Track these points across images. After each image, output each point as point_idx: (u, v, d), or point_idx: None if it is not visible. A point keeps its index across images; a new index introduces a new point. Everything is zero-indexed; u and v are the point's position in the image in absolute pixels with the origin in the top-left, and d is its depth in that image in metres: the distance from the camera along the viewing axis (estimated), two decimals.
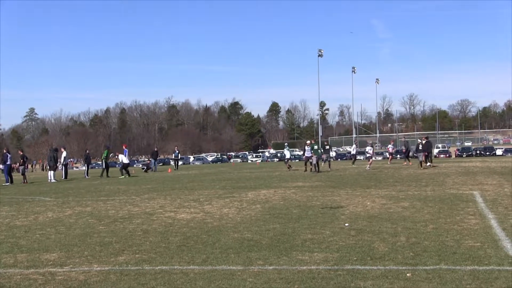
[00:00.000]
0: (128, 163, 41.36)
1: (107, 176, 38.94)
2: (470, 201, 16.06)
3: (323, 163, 43.25)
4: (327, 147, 46.80)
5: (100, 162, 55.89)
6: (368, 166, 39.78)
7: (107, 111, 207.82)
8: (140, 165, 74.70)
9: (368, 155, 42.24)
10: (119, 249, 10.07)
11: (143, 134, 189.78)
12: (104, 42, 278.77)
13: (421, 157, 38.61)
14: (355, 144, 54.90)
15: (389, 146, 53.70)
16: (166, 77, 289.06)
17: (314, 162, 35.97)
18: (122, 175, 38.78)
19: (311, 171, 36.37)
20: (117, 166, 44.67)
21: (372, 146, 44.92)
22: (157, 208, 16.54)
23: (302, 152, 42.06)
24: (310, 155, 37.29)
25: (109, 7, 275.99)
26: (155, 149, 55.63)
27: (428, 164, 39.64)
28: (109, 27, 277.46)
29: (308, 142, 40.12)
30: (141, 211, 16.03)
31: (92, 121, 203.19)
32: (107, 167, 40.71)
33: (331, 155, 48.91)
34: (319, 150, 37.27)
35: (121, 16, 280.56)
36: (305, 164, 38.45)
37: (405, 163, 44.08)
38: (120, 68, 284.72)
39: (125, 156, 40.80)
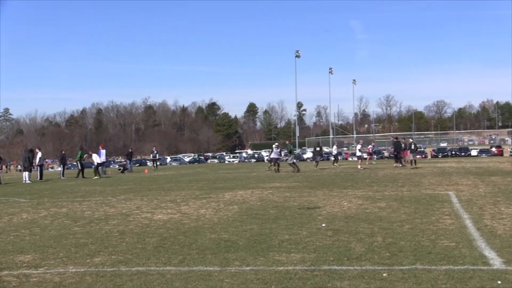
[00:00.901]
0: (101, 163, 41.13)
1: (83, 177, 38.72)
2: (446, 201, 16.18)
3: (316, 164, 43.95)
4: (318, 148, 47.21)
5: (75, 163, 55.69)
6: (360, 166, 40.21)
7: (83, 111, 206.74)
8: (117, 166, 74.41)
9: (359, 154, 42.65)
10: (95, 250, 10.01)
11: (119, 135, 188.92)
12: (80, 41, 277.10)
13: (412, 156, 39.41)
14: (335, 144, 55.25)
15: (369, 146, 54.23)
16: (143, 77, 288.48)
17: (290, 161, 36.65)
18: (96, 175, 38.63)
19: (277, 171, 36.93)
20: (93, 167, 44.57)
21: (361, 147, 45.22)
22: (134, 209, 16.47)
23: (269, 153, 42.78)
24: (277, 156, 38.06)
25: (85, 6, 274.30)
26: (130, 150, 55.45)
27: (397, 164, 40.38)
28: (85, 27, 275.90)
29: (276, 144, 40.95)
30: (117, 212, 15.96)
31: (68, 121, 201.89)
32: (82, 168, 40.49)
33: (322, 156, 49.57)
34: (294, 151, 37.72)
35: (97, 15, 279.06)
36: (275, 165, 38.75)
37: (397, 164, 44.57)
38: (97, 68, 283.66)
39: (100, 156, 40.74)
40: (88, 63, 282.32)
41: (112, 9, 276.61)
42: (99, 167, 40.44)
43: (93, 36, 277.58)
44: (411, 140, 43.07)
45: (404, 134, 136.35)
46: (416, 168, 37.53)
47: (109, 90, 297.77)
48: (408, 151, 40.22)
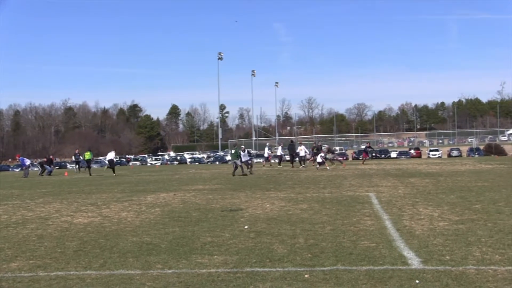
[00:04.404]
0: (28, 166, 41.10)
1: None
2: (366, 202, 16.46)
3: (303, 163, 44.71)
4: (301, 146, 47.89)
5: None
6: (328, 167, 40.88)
7: (0, 113, 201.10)
8: (36, 169, 72.81)
9: (308, 156, 43.29)
10: (12, 256, 9.76)
11: (38, 137, 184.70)
12: None
13: (319, 158, 40.57)
14: (280, 145, 55.58)
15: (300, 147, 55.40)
16: (62, 78, 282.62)
17: (239, 164, 36.45)
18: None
19: (250, 173, 36.70)
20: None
21: (305, 148, 45.76)
22: (53, 213, 16.14)
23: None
24: (247, 158, 37.78)
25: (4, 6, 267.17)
26: (50, 157, 54.01)
27: (301, 166, 41.51)
28: (1, 27, 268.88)
29: (242, 147, 40.93)
30: (35, 215, 15.60)
31: None
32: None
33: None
34: (237, 155, 37.61)
35: (13, 15, 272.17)
36: (248, 167, 38.59)
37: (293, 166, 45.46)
38: (14, 69, 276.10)
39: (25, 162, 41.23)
40: (4, 64, 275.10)
41: (26, 7, 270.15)
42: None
43: (10, 36, 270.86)
44: (320, 143, 44.93)
45: (326, 137, 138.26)
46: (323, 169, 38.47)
47: (27, 91, 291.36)
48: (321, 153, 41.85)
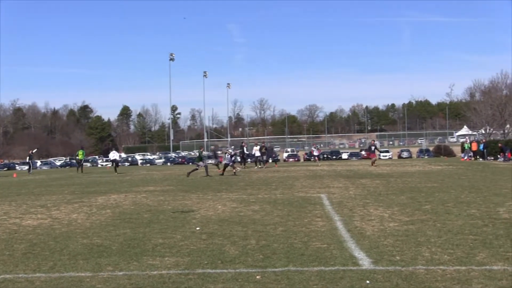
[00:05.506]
0: None
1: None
2: (318, 203, 16.55)
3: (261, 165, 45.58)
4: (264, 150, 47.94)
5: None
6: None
7: None
8: None
9: (275, 157, 44.03)
10: None
11: None
12: None
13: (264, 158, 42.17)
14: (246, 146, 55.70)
15: (313, 149, 57.43)
16: (11, 79, 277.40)
17: (203, 165, 36.03)
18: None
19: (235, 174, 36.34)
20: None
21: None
22: (1, 215, 15.88)
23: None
24: (228, 162, 37.42)
25: None
26: None
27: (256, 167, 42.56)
28: None
29: (229, 151, 40.87)
30: None
31: None
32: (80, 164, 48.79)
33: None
34: (201, 156, 37.37)
35: None
36: (234, 168, 38.34)
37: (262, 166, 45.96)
38: None
39: None
40: None
41: None
42: None
43: None
44: (263, 143, 46.55)
45: (278, 138, 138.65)
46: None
47: None
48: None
